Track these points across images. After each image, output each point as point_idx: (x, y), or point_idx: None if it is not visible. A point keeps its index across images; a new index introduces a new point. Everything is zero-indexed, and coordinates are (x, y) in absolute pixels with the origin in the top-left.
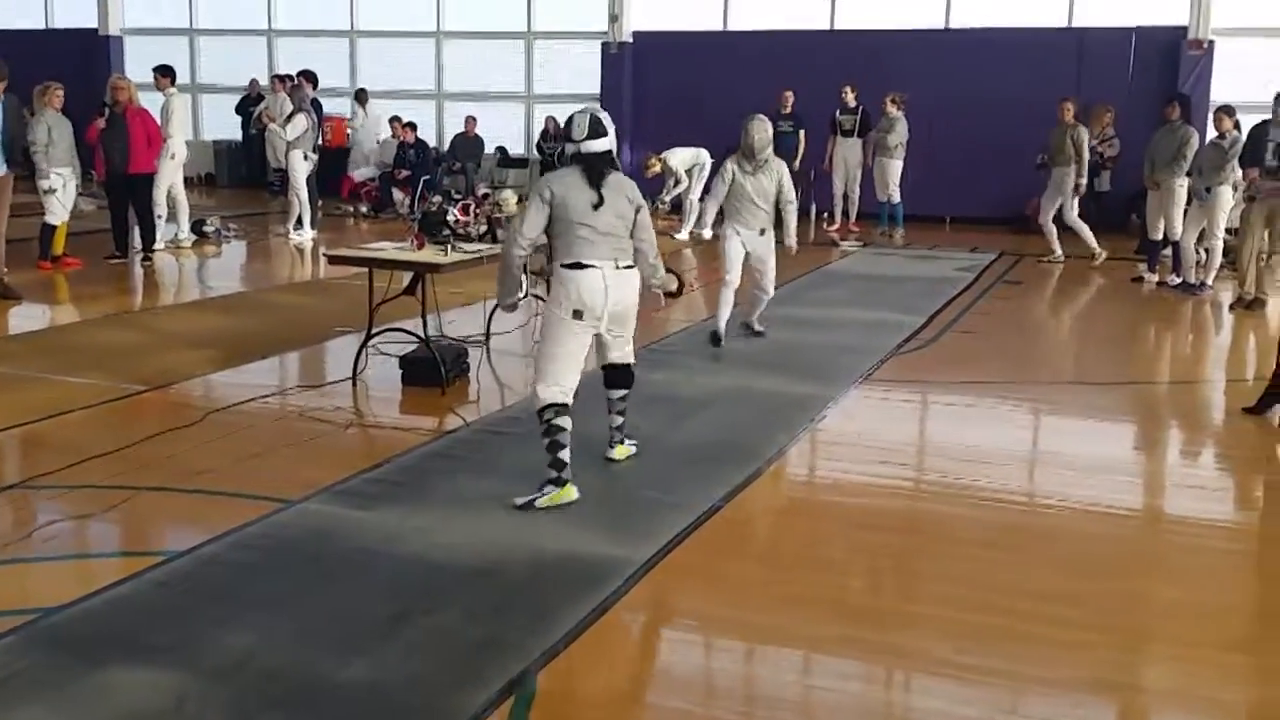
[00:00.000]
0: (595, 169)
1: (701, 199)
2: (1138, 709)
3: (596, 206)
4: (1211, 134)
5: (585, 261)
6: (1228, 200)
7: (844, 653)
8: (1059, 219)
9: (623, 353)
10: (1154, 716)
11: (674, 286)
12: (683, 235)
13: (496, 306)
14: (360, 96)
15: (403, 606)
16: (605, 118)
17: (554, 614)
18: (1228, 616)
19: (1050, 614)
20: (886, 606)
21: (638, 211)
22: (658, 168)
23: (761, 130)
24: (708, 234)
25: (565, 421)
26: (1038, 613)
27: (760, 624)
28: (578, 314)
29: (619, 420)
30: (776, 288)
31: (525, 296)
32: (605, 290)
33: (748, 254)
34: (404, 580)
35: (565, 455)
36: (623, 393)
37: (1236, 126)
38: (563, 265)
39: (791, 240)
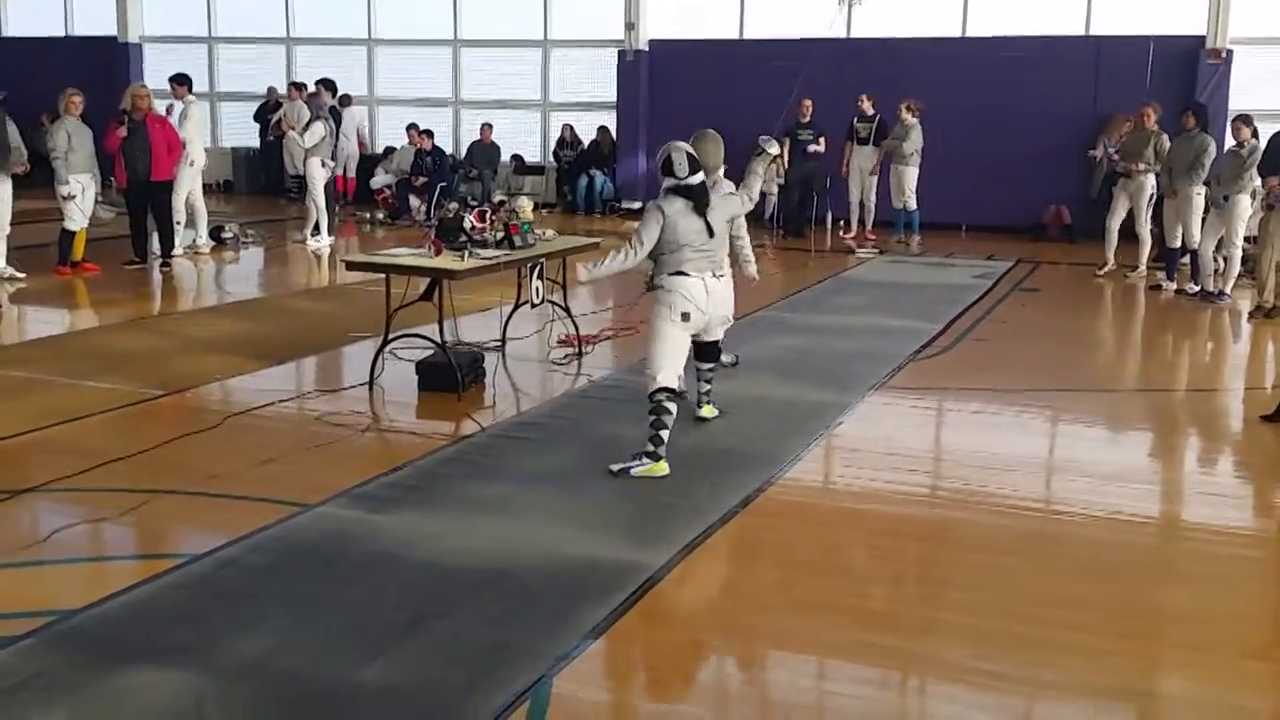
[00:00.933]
0: (701, 200)
1: None
2: (1155, 716)
3: (710, 234)
4: (1230, 143)
5: (688, 272)
6: (1246, 209)
7: (861, 659)
8: (1125, 227)
9: (719, 332)
10: None
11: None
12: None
13: (580, 281)
14: (343, 101)
15: (419, 610)
16: (693, 152)
17: (570, 619)
18: (1246, 624)
19: (1068, 621)
20: (904, 613)
21: (732, 222)
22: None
23: (713, 146)
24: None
25: (673, 406)
26: (1055, 619)
27: (776, 629)
28: (685, 316)
29: (707, 387)
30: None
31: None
32: (706, 294)
33: None
34: (420, 584)
35: (665, 435)
36: (711, 365)
37: (1255, 135)
38: (669, 274)
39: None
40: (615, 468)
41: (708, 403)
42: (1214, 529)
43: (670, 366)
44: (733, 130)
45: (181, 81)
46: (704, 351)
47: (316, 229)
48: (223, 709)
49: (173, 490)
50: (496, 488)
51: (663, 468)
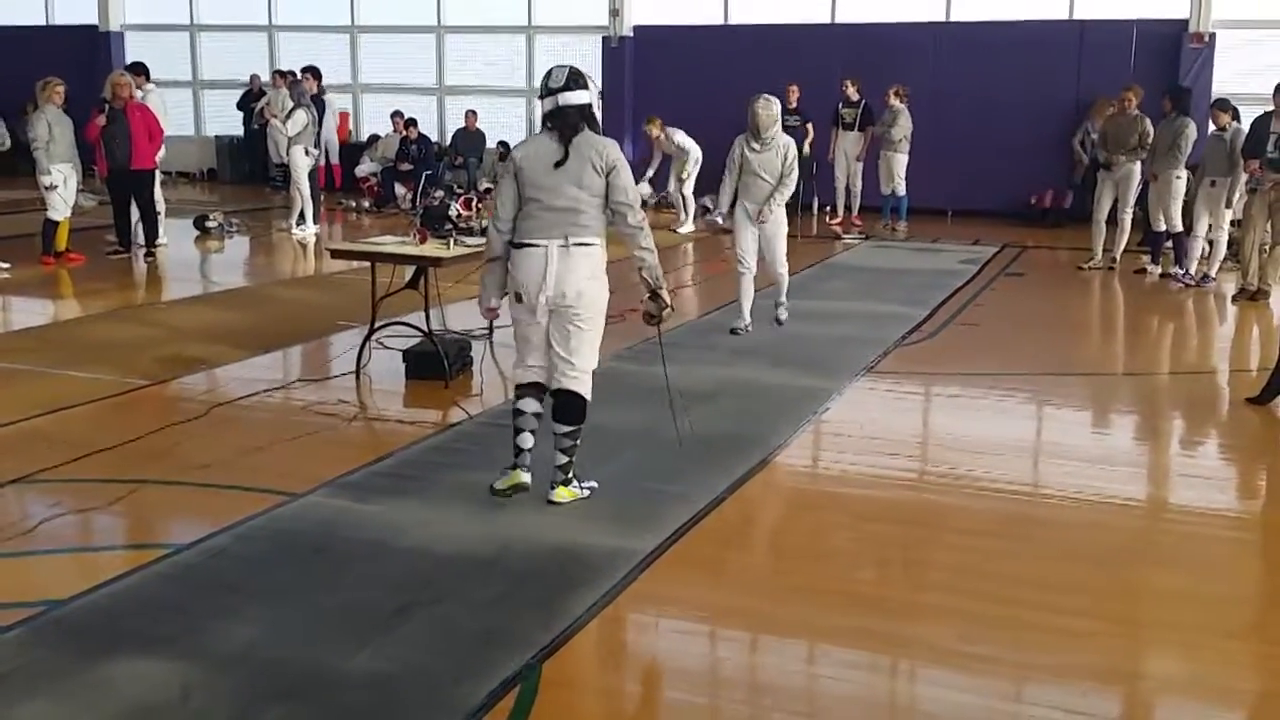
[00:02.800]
0: (571, 124)
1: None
2: (1142, 697)
3: (560, 165)
4: (1212, 128)
5: (529, 240)
6: (1235, 193)
7: (849, 642)
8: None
9: (567, 375)
10: (1158, 704)
11: (664, 304)
12: (685, 229)
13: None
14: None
15: (407, 598)
16: (586, 73)
17: (558, 605)
18: (1231, 605)
19: (1055, 603)
20: (891, 596)
21: (609, 174)
22: (657, 132)
23: (766, 109)
24: (722, 219)
25: (526, 404)
26: (1042, 602)
27: (765, 614)
28: (518, 296)
29: (562, 459)
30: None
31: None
32: (544, 270)
33: (757, 232)
34: (408, 572)
35: (522, 441)
36: (570, 429)
37: (1236, 118)
38: (512, 245)
39: (770, 211)
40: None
41: (561, 482)
42: (1199, 511)
43: (519, 361)
44: (717, 117)
45: (139, 71)
46: (561, 407)
47: (301, 217)
48: (210, 697)
49: (159, 480)
50: (484, 476)
51: (518, 476)
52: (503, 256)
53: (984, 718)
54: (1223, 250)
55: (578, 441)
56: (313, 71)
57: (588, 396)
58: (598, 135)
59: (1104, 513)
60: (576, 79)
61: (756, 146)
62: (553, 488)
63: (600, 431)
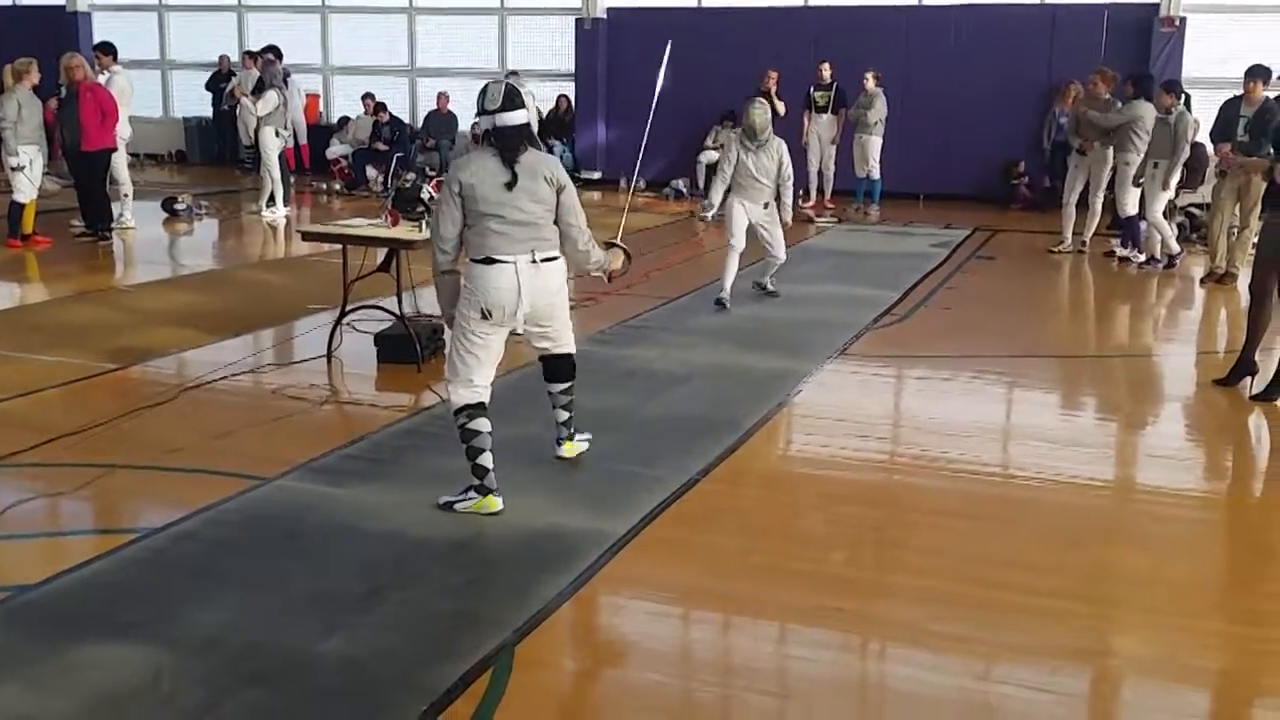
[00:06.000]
0: (511, 146)
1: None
2: (1111, 675)
3: (510, 186)
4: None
5: (496, 256)
6: (1173, 175)
7: (820, 623)
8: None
9: (558, 343)
10: (1127, 682)
11: (619, 264)
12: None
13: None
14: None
15: (379, 582)
16: (522, 89)
17: (531, 588)
18: (1199, 585)
19: (1025, 583)
20: (863, 577)
21: (560, 192)
22: None
23: (761, 112)
24: (711, 218)
25: (482, 424)
26: (1012, 582)
27: (737, 595)
28: (485, 314)
29: (564, 415)
30: (754, 263)
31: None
32: (518, 289)
33: (751, 223)
34: (380, 556)
35: (486, 460)
36: (564, 385)
37: (1184, 102)
38: (473, 260)
39: (787, 216)
40: (442, 500)
41: (567, 438)
42: (1167, 492)
43: (464, 375)
44: (692, 100)
45: (107, 51)
46: (553, 369)
47: (271, 200)
48: (182, 682)
49: (128, 464)
50: (457, 459)
51: (493, 503)
52: (455, 270)
53: (954, 697)
54: (1157, 235)
55: (573, 396)
56: (274, 51)
57: (574, 352)
58: (540, 153)
59: (1073, 493)
60: (513, 98)
61: (752, 147)
62: (560, 443)
63: (578, 413)
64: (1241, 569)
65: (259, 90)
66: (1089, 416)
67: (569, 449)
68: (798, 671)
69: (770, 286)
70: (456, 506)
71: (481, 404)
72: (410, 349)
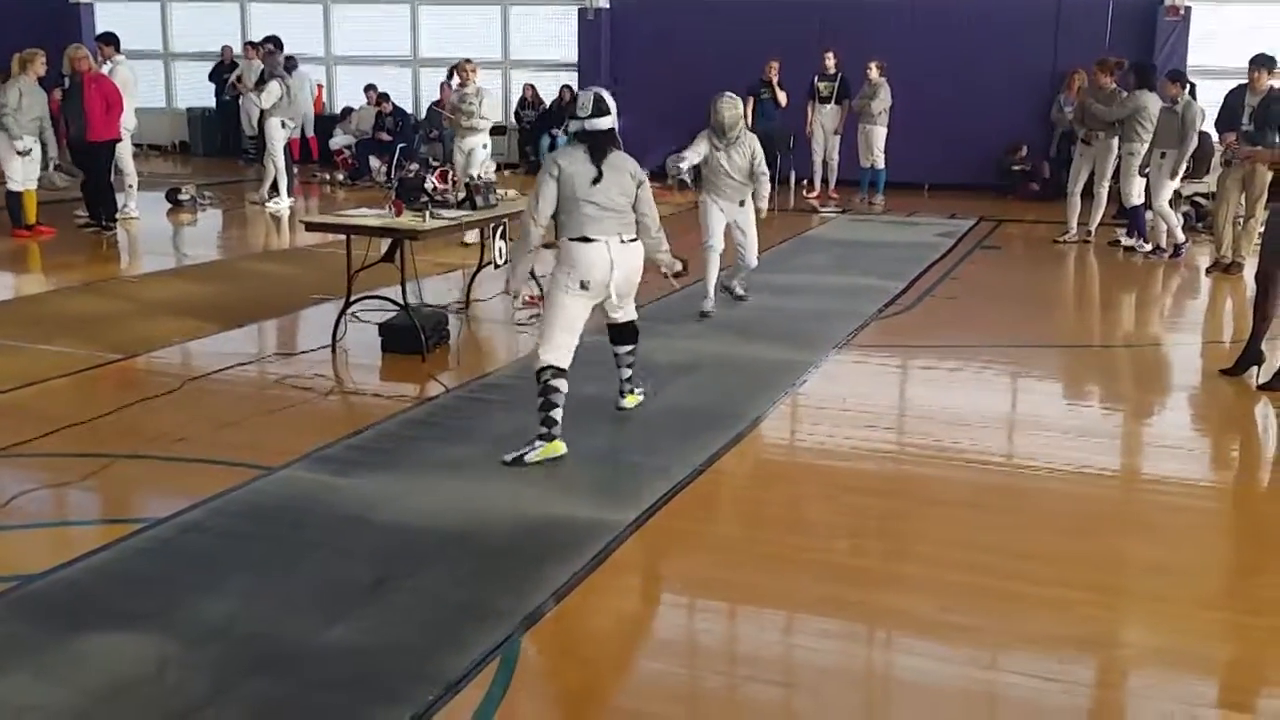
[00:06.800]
0: (599, 146)
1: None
2: (1118, 665)
3: (595, 181)
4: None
5: (591, 236)
6: (1180, 164)
7: (827, 612)
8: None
9: (626, 312)
10: (1134, 672)
11: (679, 268)
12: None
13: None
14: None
15: (384, 572)
16: (609, 97)
17: (537, 578)
18: (1205, 574)
19: (1032, 573)
20: (870, 567)
21: (639, 186)
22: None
23: (731, 108)
24: (681, 172)
25: (562, 384)
26: (1019, 571)
27: (743, 585)
28: (584, 285)
29: (627, 373)
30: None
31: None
32: (611, 264)
33: (728, 223)
34: (385, 546)
35: (558, 415)
36: (629, 348)
37: (1190, 92)
38: (570, 239)
39: (763, 204)
40: (509, 457)
41: (629, 391)
42: (1174, 482)
43: (560, 343)
44: (695, 90)
45: (109, 41)
46: (619, 334)
47: (275, 190)
48: (187, 671)
49: (133, 454)
50: (462, 449)
51: (559, 447)
52: (538, 248)
53: (961, 686)
54: (1163, 224)
55: (635, 357)
56: (274, 42)
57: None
58: (623, 152)
59: (1080, 483)
60: (600, 107)
61: (722, 145)
62: (622, 396)
63: (580, 405)
64: (1248, 558)
65: (261, 82)
66: (1095, 406)
67: (630, 400)
68: (804, 661)
69: (740, 291)
70: (527, 458)
71: (564, 368)
72: (415, 339)
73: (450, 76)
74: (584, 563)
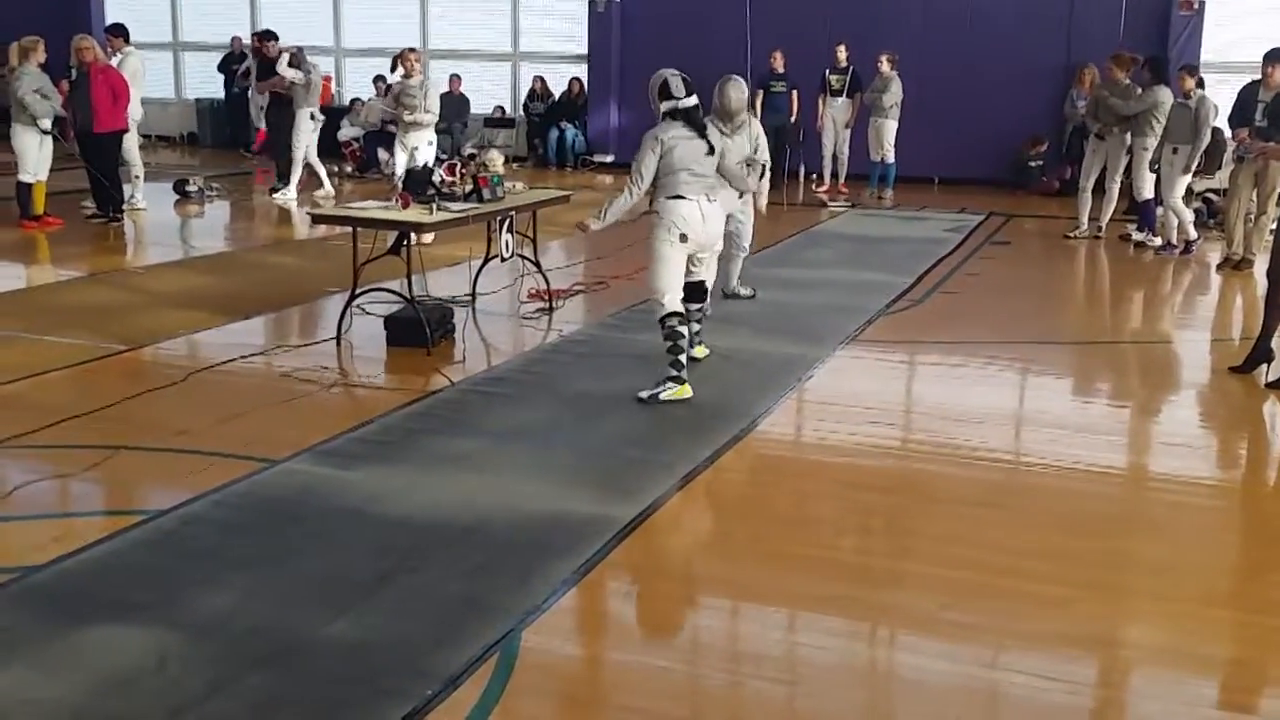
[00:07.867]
0: (697, 121)
1: None
2: (1122, 664)
3: (710, 152)
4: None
5: (686, 195)
6: (1193, 159)
7: (830, 610)
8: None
9: (705, 268)
10: (1138, 671)
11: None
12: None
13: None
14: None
15: (386, 566)
16: (686, 76)
17: (539, 573)
18: (1211, 573)
19: (1036, 571)
20: (873, 564)
21: (722, 156)
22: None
23: (739, 92)
24: None
25: (684, 329)
26: (1024, 570)
27: (745, 582)
28: (683, 237)
29: (696, 327)
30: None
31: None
32: (702, 217)
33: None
34: (388, 540)
35: (684, 358)
36: (700, 305)
37: (1200, 85)
38: (667, 198)
39: (761, 200)
40: (644, 394)
41: (699, 343)
42: (1181, 480)
43: (675, 288)
44: (705, 82)
45: (118, 33)
46: (691, 292)
47: (286, 179)
48: (187, 665)
49: (137, 446)
50: (466, 443)
51: (686, 390)
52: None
53: (964, 685)
54: (1174, 219)
55: (706, 313)
56: (271, 35)
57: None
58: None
59: (1087, 481)
60: (690, 88)
61: (727, 131)
62: (692, 346)
63: (584, 398)
64: (1255, 557)
65: (264, 76)
66: (1103, 403)
67: (699, 351)
68: (807, 658)
69: (745, 292)
70: (661, 396)
71: (683, 313)
72: (420, 332)
73: (394, 68)
74: (585, 558)
